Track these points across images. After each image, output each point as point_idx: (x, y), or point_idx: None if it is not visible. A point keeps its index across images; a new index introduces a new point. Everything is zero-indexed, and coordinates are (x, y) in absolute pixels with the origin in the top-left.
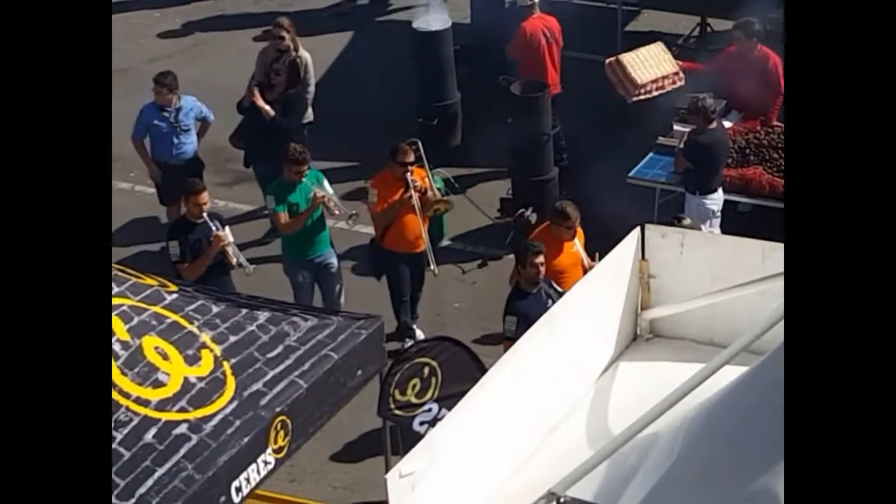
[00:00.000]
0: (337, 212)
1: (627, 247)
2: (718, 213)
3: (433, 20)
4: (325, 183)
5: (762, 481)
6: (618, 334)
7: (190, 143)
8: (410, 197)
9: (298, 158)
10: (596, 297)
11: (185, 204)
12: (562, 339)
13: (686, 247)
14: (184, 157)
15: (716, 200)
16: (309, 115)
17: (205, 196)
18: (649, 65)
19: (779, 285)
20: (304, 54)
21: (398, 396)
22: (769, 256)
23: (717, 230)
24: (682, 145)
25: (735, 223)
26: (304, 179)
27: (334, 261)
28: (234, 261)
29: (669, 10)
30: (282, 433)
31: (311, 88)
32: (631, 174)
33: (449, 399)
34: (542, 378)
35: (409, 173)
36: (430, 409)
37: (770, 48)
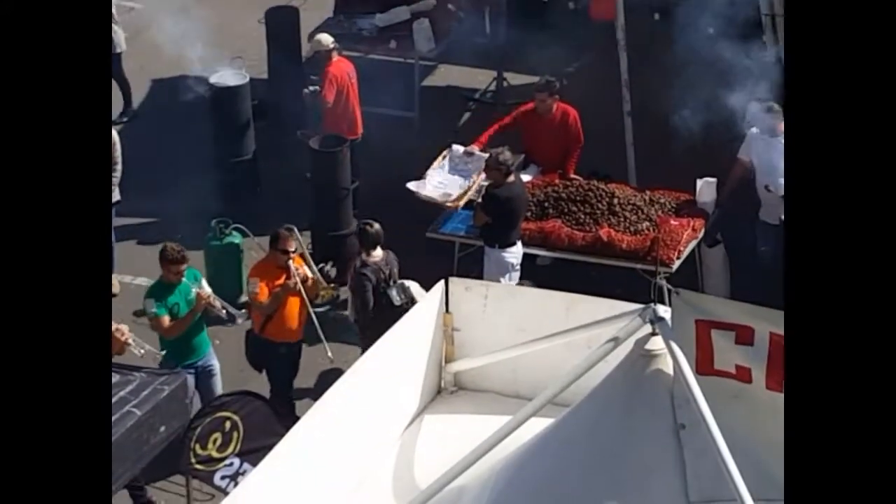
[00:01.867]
0: (224, 313)
1: (431, 300)
2: (518, 267)
3: (230, 75)
4: (203, 281)
5: None
6: (422, 387)
7: None
8: (296, 284)
9: (176, 258)
10: (400, 350)
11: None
12: (366, 393)
13: (490, 299)
14: None
15: (515, 254)
16: (115, 195)
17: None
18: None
19: (582, 337)
20: (113, 134)
21: (199, 451)
22: (572, 308)
23: (517, 283)
24: (480, 199)
25: (534, 276)
26: (182, 279)
27: (215, 362)
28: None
29: (466, 64)
30: None
31: (119, 167)
32: (430, 228)
33: (251, 454)
34: (348, 432)
35: (290, 260)
36: (231, 464)
37: (562, 100)
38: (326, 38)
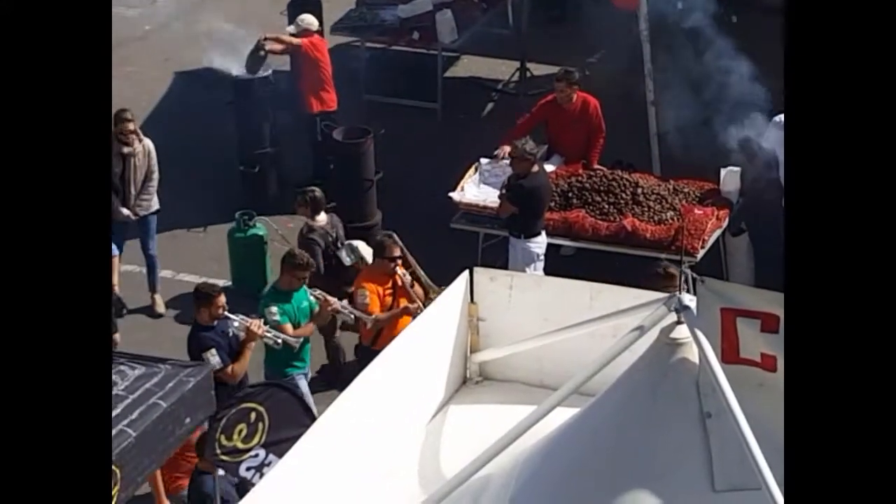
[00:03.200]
0: (352, 317)
1: (456, 290)
2: (542, 257)
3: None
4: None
5: None
6: (448, 378)
7: None
8: (417, 308)
9: (304, 264)
10: (425, 340)
11: (205, 312)
12: (392, 384)
13: (514, 290)
14: None
15: (539, 244)
16: (154, 204)
17: (223, 298)
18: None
19: (607, 326)
20: (148, 143)
21: (224, 442)
22: (597, 298)
23: (541, 273)
24: (504, 190)
25: (558, 266)
26: (303, 286)
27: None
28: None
29: (488, 55)
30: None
31: (156, 176)
32: (455, 218)
33: (276, 445)
34: (374, 423)
35: (397, 267)
36: (256, 455)
37: (585, 90)
38: (312, 20)
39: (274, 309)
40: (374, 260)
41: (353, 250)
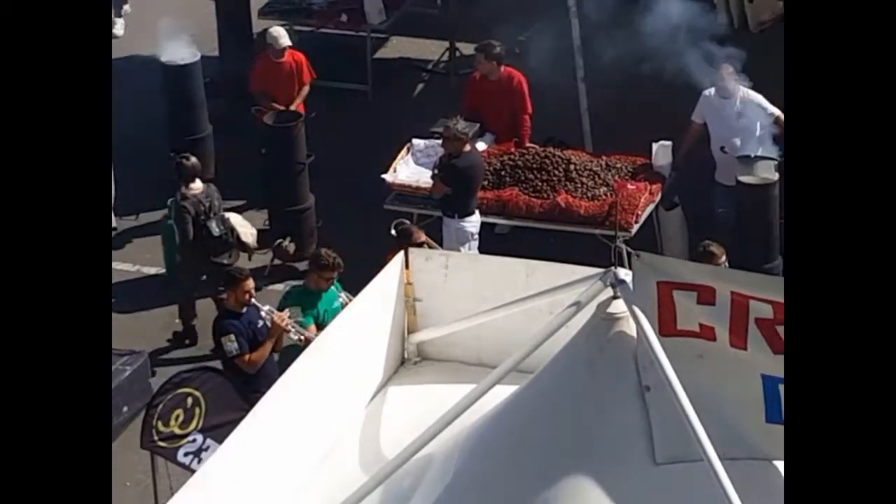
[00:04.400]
0: (300, 340)
1: (392, 271)
2: (476, 236)
3: (181, 54)
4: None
5: (538, 498)
6: (386, 359)
7: None
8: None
9: (332, 264)
10: (362, 322)
11: (231, 295)
12: (330, 367)
13: (450, 269)
14: None
15: (473, 223)
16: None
17: (251, 282)
18: None
19: (544, 303)
20: None
21: (161, 428)
22: (533, 275)
23: (476, 252)
24: (437, 170)
25: (493, 245)
26: (332, 286)
27: None
28: (296, 338)
29: (418, 36)
30: None
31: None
32: (388, 200)
33: (214, 429)
34: (313, 406)
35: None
36: (194, 440)
37: (515, 69)
38: (283, 37)
39: (297, 310)
40: (400, 246)
41: (224, 221)
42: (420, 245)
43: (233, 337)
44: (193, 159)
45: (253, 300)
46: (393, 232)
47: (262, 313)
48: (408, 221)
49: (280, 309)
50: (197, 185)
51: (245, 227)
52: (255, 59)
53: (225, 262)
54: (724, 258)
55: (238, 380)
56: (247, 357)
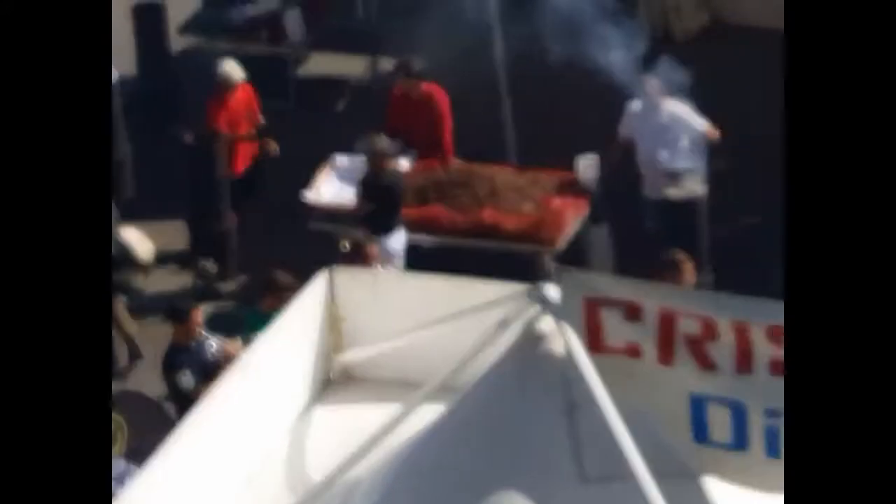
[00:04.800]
0: None
1: (317, 290)
2: (402, 254)
3: None
4: None
5: None
6: (312, 379)
7: None
8: None
9: (288, 285)
10: (287, 342)
11: (180, 329)
12: (254, 387)
13: (376, 287)
14: None
15: (398, 241)
16: None
17: (199, 314)
18: None
19: (472, 320)
20: None
21: None
22: (461, 293)
23: (402, 270)
24: (361, 188)
25: (420, 263)
26: None
27: None
28: None
29: (340, 51)
30: None
31: None
32: (313, 219)
33: (137, 454)
34: (236, 427)
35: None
36: (117, 465)
37: (438, 84)
38: (237, 72)
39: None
40: (352, 261)
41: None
42: (373, 260)
43: (187, 371)
44: None
45: (202, 332)
46: (345, 246)
47: (213, 347)
48: (361, 236)
49: (243, 337)
50: None
51: (142, 244)
52: (211, 96)
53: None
54: (689, 265)
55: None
56: (204, 391)
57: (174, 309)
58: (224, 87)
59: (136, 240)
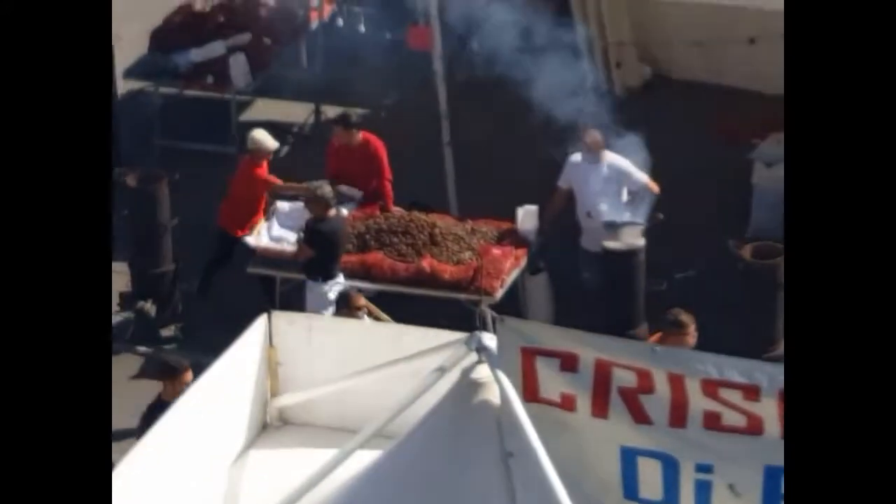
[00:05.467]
0: None
1: (254, 334)
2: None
3: None
4: None
5: None
6: (248, 423)
7: None
8: None
9: (181, 368)
10: (223, 385)
11: (169, 386)
12: (190, 431)
13: (314, 332)
14: None
15: (337, 287)
16: None
17: (190, 374)
18: None
19: (409, 367)
20: None
21: None
22: (398, 339)
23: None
24: (301, 234)
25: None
26: None
27: None
28: None
29: (284, 98)
30: None
31: None
32: (251, 263)
33: None
34: (172, 472)
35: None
36: None
37: (380, 132)
38: (269, 142)
39: None
40: (339, 311)
41: None
42: (360, 308)
43: None
44: None
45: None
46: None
47: None
48: (349, 287)
49: None
50: None
51: None
52: (238, 164)
53: None
54: (693, 327)
55: None
56: None
57: (167, 366)
58: (257, 156)
59: None
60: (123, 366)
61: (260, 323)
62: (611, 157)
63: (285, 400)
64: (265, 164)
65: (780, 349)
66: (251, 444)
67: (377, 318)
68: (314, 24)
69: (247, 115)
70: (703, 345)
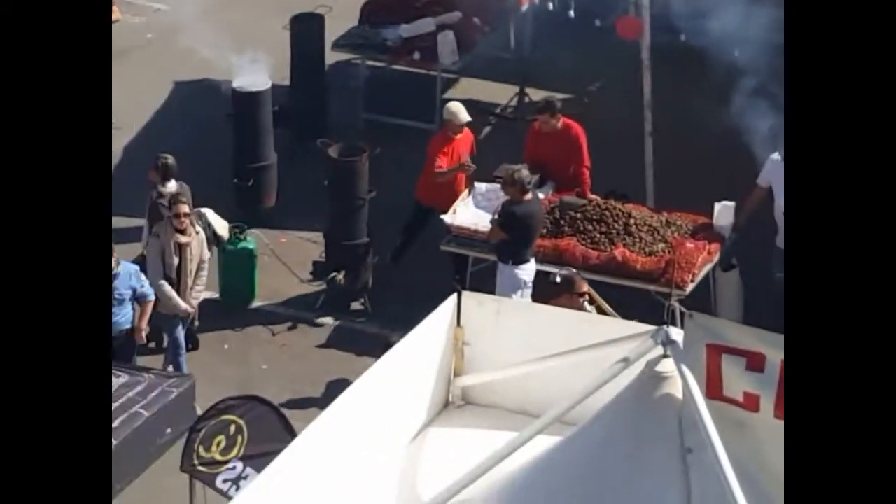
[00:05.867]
0: None
1: (443, 313)
2: (530, 284)
3: (252, 81)
4: None
5: None
6: (430, 400)
7: (123, 317)
8: None
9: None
10: (409, 362)
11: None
12: (373, 404)
13: (502, 315)
14: (116, 328)
15: (528, 271)
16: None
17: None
18: None
19: (593, 356)
20: (202, 233)
21: (202, 453)
22: (584, 327)
23: (529, 300)
24: (496, 216)
25: (548, 294)
26: None
27: None
28: None
29: (488, 78)
30: None
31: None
32: (444, 241)
33: (254, 458)
34: (354, 443)
35: (585, 302)
36: (234, 467)
37: (582, 119)
38: (463, 114)
39: None
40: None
41: (201, 216)
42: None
43: None
44: (171, 159)
45: None
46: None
47: None
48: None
49: None
50: (171, 185)
51: (219, 221)
52: (434, 136)
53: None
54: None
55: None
56: None
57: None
58: (451, 128)
59: (215, 218)
60: (310, 336)
61: (450, 302)
62: None
63: (469, 380)
64: (457, 137)
65: None
66: (432, 421)
67: (598, 306)
68: (524, 6)
69: (451, 93)
70: None
